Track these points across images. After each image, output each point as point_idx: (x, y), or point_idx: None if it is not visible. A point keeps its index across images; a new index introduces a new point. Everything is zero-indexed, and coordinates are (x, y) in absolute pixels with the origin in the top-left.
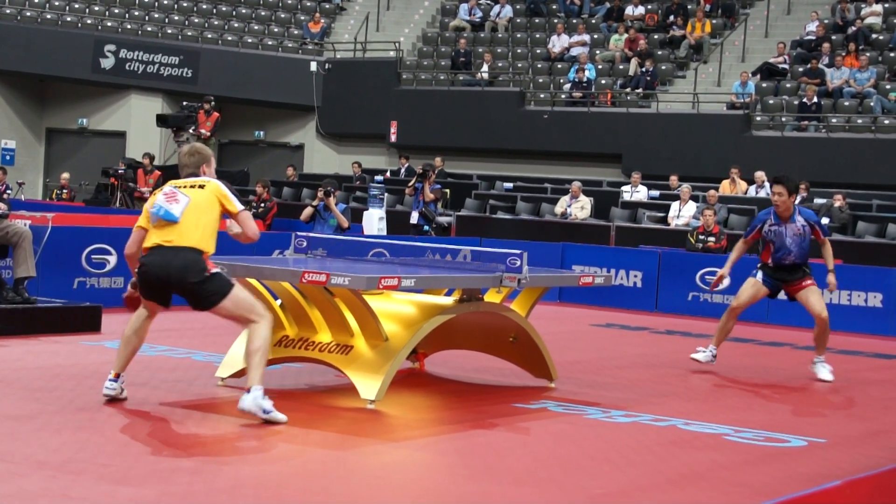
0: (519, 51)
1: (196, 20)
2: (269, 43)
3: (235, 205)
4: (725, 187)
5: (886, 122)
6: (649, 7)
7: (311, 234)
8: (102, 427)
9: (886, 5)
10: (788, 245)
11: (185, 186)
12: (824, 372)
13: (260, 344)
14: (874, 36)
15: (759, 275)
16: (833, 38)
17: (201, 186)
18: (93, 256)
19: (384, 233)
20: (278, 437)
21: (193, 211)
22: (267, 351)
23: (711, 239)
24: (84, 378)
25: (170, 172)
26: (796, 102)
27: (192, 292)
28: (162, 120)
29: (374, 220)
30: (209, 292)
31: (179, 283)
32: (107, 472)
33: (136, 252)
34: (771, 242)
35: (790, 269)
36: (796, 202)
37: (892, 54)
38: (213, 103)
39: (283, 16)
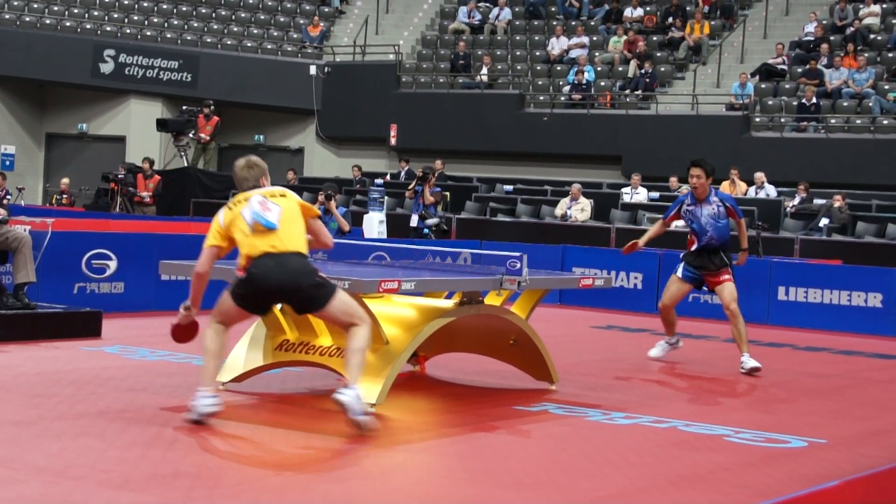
0: (518, 53)
1: (195, 24)
2: (269, 47)
3: (316, 212)
4: (725, 188)
5: (885, 122)
6: (648, 9)
7: None
8: (102, 432)
9: (884, 6)
10: (704, 224)
11: (269, 196)
12: (752, 362)
13: (361, 344)
14: (872, 36)
15: (680, 270)
16: (831, 38)
17: (282, 195)
18: (93, 262)
19: (384, 236)
20: (278, 442)
21: (287, 218)
22: (366, 353)
23: None
24: (84, 384)
25: (169, 177)
26: (795, 103)
27: (306, 296)
28: (162, 124)
29: (375, 224)
30: (321, 295)
31: (295, 287)
32: (107, 478)
33: (208, 272)
34: (690, 224)
35: (710, 252)
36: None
37: (890, 55)
38: (212, 107)
39: (282, 20)
